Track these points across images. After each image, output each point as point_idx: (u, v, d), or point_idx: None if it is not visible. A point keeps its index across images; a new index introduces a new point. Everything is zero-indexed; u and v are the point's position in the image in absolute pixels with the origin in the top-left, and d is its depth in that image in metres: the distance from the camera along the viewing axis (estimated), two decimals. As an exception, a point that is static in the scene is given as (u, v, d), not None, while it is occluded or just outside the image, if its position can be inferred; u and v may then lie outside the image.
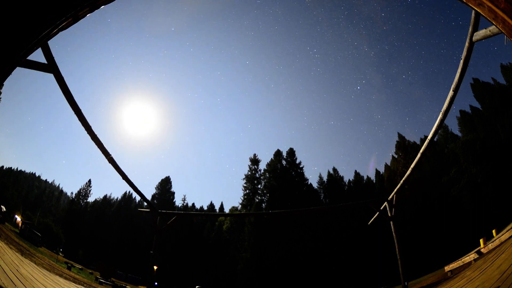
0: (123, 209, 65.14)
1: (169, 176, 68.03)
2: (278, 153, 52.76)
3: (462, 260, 9.66)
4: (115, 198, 78.08)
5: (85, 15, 3.33)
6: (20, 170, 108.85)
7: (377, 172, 55.06)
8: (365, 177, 55.70)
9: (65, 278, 11.22)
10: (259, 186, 51.73)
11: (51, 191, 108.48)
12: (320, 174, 61.51)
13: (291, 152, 52.24)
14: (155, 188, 66.29)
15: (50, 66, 5.20)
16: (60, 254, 39.62)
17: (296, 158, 51.60)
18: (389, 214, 11.52)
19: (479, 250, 8.73)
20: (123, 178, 9.48)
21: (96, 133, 7.29)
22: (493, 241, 8.33)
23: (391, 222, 11.36)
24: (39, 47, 3.30)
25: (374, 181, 54.31)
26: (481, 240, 10.15)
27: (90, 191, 68.24)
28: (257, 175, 52.95)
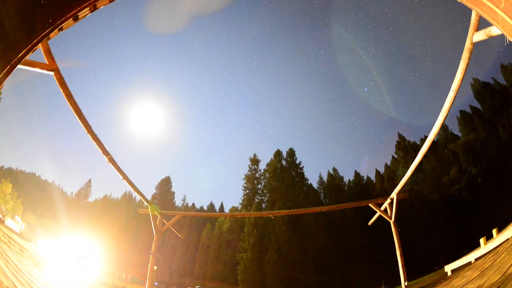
0: (123, 209, 65.15)
1: (169, 176, 68.12)
2: (278, 153, 52.77)
3: (462, 260, 9.67)
4: (115, 198, 78.07)
5: (85, 15, 3.33)
6: (20, 170, 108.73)
7: (377, 172, 55.09)
8: (365, 177, 55.78)
9: (65, 278, 11.20)
10: (259, 186, 51.77)
11: (51, 191, 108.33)
12: (320, 174, 61.36)
13: (291, 152, 52.27)
14: (155, 188, 66.39)
15: (50, 66, 5.21)
16: (60, 254, 39.59)
17: (296, 158, 51.67)
18: (389, 214, 11.51)
19: (479, 250, 8.74)
20: (123, 178, 9.46)
21: (96, 133, 7.29)
22: (493, 241, 8.34)
23: (392, 222, 11.36)
24: (39, 47, 3.31)
25: (374, 181, 54.32)
26: (481, 240, 10.16)
27: (90, 191, 68.33)
28: (257, 175, 52.98)
